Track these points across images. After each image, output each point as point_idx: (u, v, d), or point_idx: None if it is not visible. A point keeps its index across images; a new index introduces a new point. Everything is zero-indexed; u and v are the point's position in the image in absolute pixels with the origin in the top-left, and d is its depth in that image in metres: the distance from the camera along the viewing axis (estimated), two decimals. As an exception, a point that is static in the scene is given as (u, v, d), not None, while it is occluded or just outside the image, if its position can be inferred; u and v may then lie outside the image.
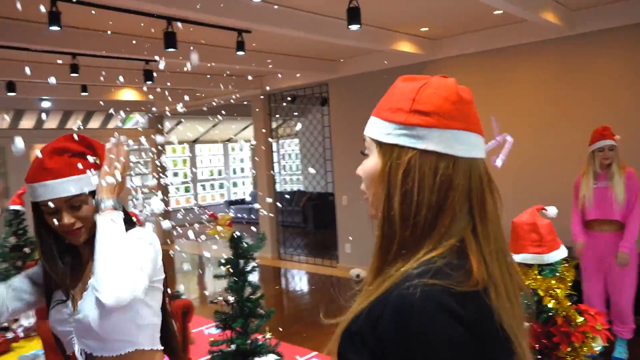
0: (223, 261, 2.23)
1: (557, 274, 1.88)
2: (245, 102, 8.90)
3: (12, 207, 4.60)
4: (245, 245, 2.23)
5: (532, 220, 1.93)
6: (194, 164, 14.06)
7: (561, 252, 1.90)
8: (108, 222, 1.27)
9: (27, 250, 4.40)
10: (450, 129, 0.82)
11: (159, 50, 4.70)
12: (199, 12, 3.98)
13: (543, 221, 1.93)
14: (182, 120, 12.08)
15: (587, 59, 5.10)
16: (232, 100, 8.53)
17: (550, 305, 1.81)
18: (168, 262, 8.63)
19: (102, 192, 1.31)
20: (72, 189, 1.32)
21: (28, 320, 3.88)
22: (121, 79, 6.98)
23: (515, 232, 1.96)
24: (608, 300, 3.95)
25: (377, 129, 0.87)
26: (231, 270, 2.20)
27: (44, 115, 9.33)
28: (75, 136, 1.38)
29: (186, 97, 9.25)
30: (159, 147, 10.08)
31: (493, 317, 0.77)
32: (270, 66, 6.39)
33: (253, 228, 10.44)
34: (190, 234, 1.94)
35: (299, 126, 11.17)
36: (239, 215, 12.52)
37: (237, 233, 2.23)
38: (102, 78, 6.61)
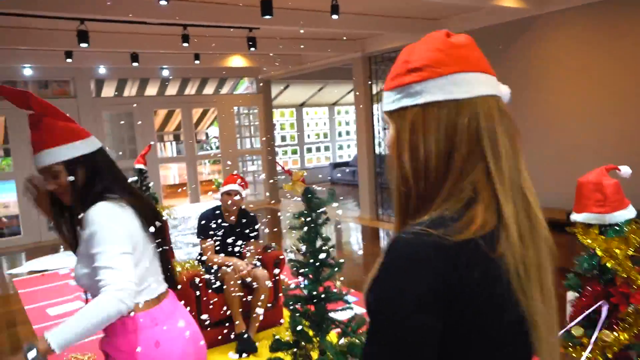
0: (296, 214, 2.42)
1: (622, 235, 1.82)
2: (345, 66, 8.99)
3: (137, 165, 5.22)
4: (317, 199, 2.40)
5: (597, 180, 1.87)
6: (300, 127, 14.52)
7: (627, 213, 1.83)
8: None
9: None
10: (444, 76, 0.82)
11: (257, 18, 4.94)
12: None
13: (609, 181, 1.86)
14: (289, 84, 12.48)
15: None
16: (333, 65, 8.64)
17: (608, 265, 1.77)
18: (275, 219, 9.19)
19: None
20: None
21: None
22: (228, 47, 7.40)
23: (579, 191, 1.91)
24: None
25: (385, 101, 0.89)
26: (304, 222, 2.39)
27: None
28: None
29: (289, 64, 9.55)
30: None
31: (492, 268, 0.76)
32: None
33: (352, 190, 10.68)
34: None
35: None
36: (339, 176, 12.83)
37: (309, 188, 2.41)
38: (213, 45, 7.09)
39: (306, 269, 2.41)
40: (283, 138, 14.42)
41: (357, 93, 8.61)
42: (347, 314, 2.49)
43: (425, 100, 0.83)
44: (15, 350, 4.13)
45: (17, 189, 8.39)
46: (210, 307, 3.82)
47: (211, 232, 3.97)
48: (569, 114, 5.72)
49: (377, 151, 8.60)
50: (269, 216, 9.53)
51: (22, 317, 5.00)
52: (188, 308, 1.86)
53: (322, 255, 2.42)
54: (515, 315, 0.78)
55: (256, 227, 4.09)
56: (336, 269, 2.46)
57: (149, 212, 1.65)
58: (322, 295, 2.42)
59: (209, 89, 10.83)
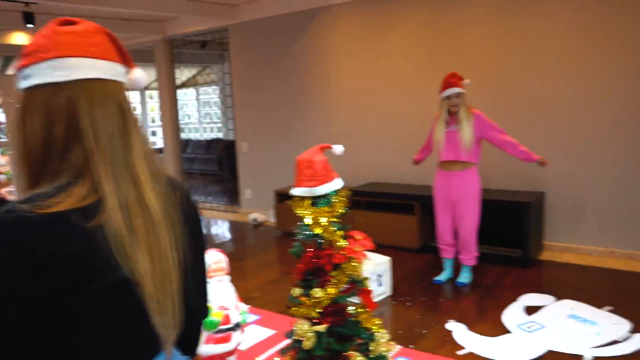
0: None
1: (329, 205, 2.11)
2: (148, 48, 8.65)
3: None
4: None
5: (309, 158, 2.13)
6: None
7: (333, 185, 2.12)
8: None
9: None
10: (46, 60, 0.88)
11: None
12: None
13: (319, 158, 2.13)
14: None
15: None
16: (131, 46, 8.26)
17: (316, 231, 2.04)
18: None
19: None
20: None
21: None
22: None
23: (296, 168, 2.16)
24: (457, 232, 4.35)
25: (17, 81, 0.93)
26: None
27: None
28: None
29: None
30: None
31: (86, 237, 0.83)
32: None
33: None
34: None
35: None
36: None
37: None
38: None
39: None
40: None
41: (160, 77, 8.36)
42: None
43: (29, 84, 0.89)
44: None
45: None
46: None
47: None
48: (346, 102, 6.29)
49: (182, 137, 8.48)
50: None
51: None
52: None
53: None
54: (118, 278, 0.85)
55: None
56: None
57: None
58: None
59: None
